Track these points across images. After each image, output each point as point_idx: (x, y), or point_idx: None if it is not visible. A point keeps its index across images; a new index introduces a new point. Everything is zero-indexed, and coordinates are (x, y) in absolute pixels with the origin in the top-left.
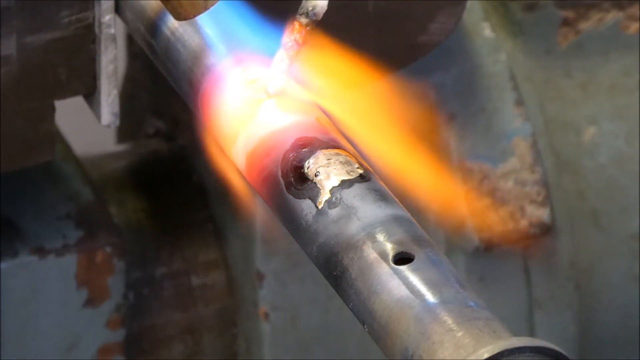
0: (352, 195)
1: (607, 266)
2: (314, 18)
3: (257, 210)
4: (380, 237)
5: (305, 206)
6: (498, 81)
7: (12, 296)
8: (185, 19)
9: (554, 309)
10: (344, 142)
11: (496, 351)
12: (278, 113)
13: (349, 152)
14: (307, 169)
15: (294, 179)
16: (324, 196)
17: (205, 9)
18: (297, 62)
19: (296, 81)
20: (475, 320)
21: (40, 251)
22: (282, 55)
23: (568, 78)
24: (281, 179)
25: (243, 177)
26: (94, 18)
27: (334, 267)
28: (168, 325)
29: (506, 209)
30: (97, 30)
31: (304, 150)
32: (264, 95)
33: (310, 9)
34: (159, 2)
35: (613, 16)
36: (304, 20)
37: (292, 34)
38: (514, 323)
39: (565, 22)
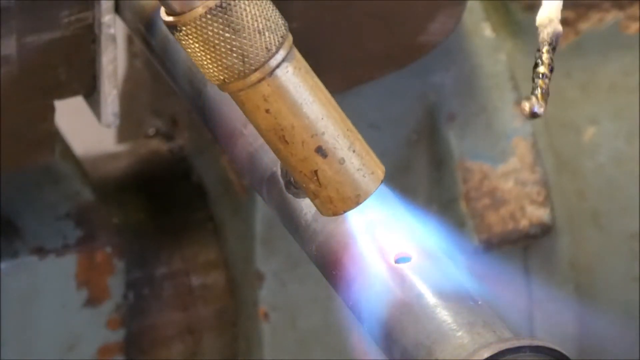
0: None
1: (607, 266)
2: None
3: (257, 210)
4: (380, 236)
5: (305, 205)
6: (498, 81)
7: (12, 296)
8: (334, 215)
9: (554, 309)
10: None
11: (496, 350)
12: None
13: None
14: None
15: (293, 178)
16: None
17: (357, 204)
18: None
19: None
20: (475, 320)
21: (40, 251)
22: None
23: (568, 78)
24: (281, 179)
25: (243, 177)
26: (94, 18)
27: (333, 266)
28: (168, 325)
29: (506, 209)
30: (97, 30)
31: None
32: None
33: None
34: (157, 2)
35: (613, 16)
36: (547, 47)
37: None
38: (514, 323)
39: (565, 22)
